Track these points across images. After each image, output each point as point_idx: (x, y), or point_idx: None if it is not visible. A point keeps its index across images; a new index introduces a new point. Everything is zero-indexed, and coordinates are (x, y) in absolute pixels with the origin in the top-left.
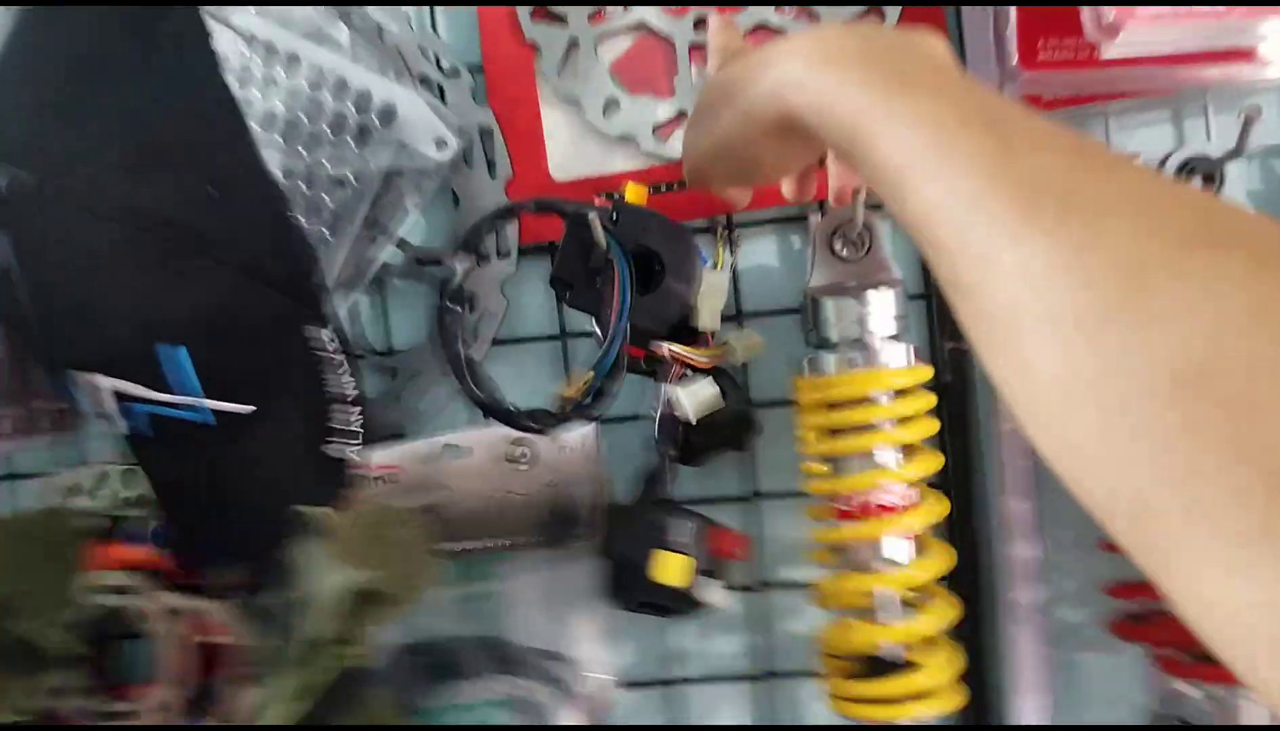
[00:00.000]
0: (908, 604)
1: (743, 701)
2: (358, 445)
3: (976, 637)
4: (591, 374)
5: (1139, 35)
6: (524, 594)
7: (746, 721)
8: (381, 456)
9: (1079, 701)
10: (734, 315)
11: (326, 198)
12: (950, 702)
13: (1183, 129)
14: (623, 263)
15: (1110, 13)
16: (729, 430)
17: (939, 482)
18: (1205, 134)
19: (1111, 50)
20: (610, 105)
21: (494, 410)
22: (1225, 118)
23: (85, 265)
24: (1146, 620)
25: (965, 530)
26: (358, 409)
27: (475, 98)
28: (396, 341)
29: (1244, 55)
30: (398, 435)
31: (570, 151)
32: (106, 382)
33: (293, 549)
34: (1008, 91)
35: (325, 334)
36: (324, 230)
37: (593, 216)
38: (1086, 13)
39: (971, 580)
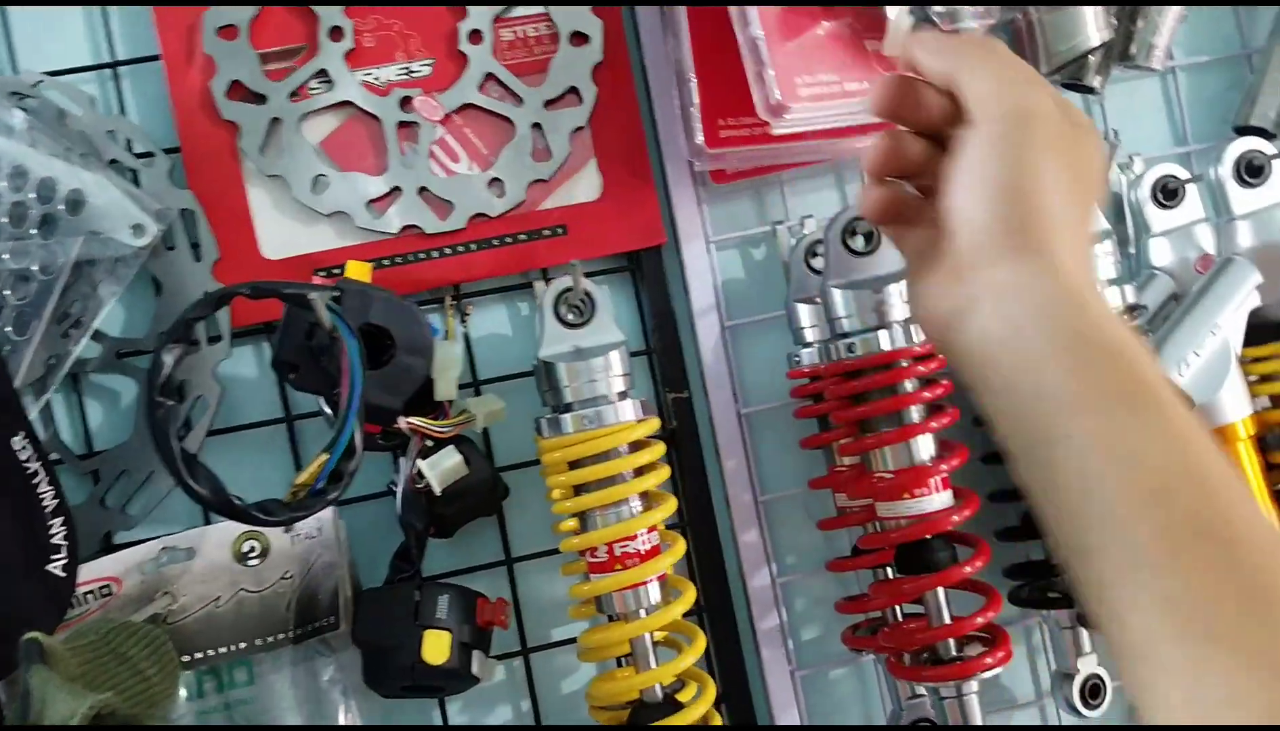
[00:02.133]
0: (664, 644)
1: None
2: (64, 560)
3: (739, 664)
4: (326, 456)
5: (802, 113)
6: (278, 695)
7: None
8: (93, 570)
9: (832, 711)
10: (471, 383)
11: (9, 293)
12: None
13: (845, 192)
14: (351, 340)
15: (777, 93)
16: (477, 497)
17: (677, 524)
18: None
19: (780, 127)
20: (319, 182)
21: (217, 505)
22: None
23: None
24: (875, 631)
25: (711, 565)
26: (60, 519)
27: (173, 179)
28: (98, 442)
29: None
30: (109, 544)
31: (280, 230)
32: None
33: (21, 678)
34: (697, 167)
35: (20, 441)
36: (7, 329)
37: (314, 296)
38: (756, 94)
39: (726, 612)
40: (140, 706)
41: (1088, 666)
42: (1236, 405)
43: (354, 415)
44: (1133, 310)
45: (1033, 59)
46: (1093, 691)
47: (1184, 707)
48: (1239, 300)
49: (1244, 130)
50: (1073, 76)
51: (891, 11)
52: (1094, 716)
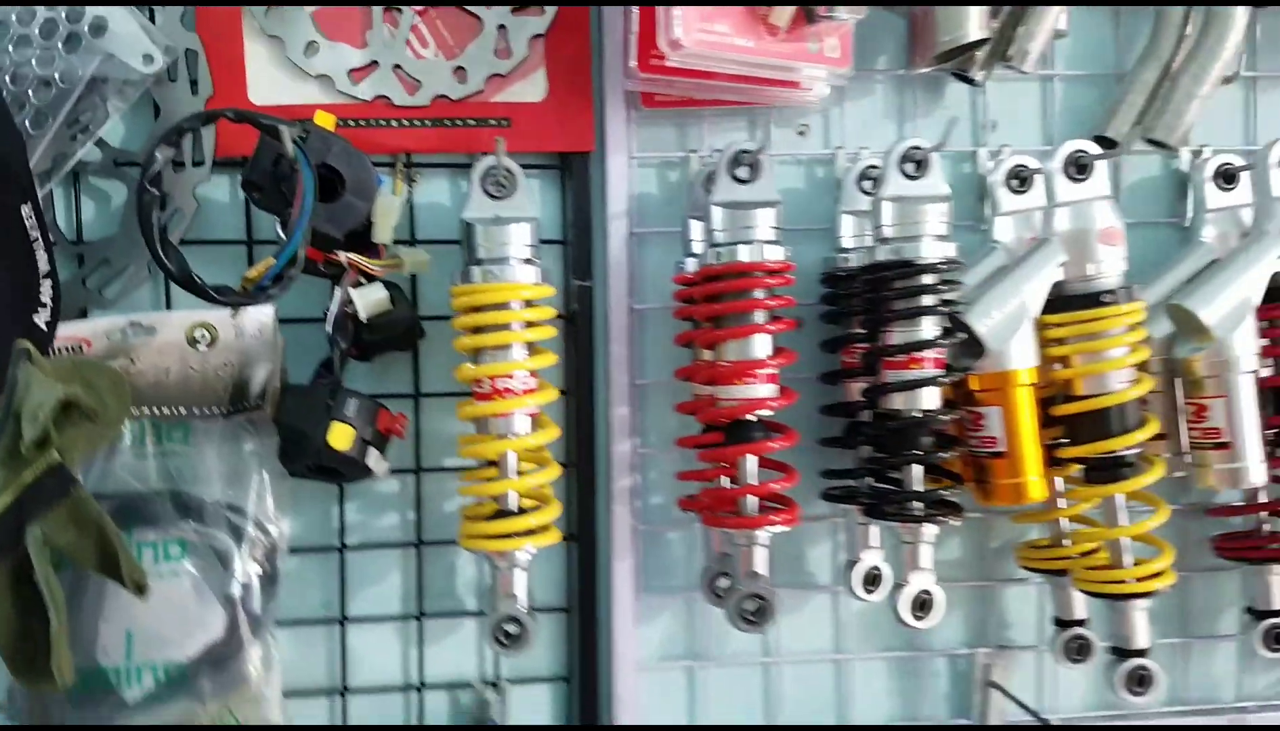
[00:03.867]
0: (526, 464)
1: (395, 564)
2: (48, 315)
3: (591, 513)
4: (273, 260)
5: (693, 52)
6: (207, 457)
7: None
8: (70, 329)
9: (663, 565)
10: (409, 239)
11: (32, 94)
12: (550, 539)
13: (754, 131)
14: (307, 172)
15: (677, 30)
16: (396, 331)
17: (565, 392)
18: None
19: (673, 60)
20: (311, 47)
21: (181, 279)
22: (783, 130)
23: None
24: (697, 497)
25: (585, 428)
26: (49, 282)
27: (184, 23)
28: (87, 234)
29: (793, 84)
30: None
31: (269, 82)
32: None
33: (10, 374)
34: (628, 86)
35: (28, 211)
36: (26, 124)
37: (283, 129)
38: (661, 29)
39: (590, 469)
40: (99, 405)
41: (871, 558)
42: (1023, 356)
43: (300, 231)
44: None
45: (921, 46)
46: (871, 579)
47: None
48: (1044, 274)
49: (1100, 140)
50: (959, 67)
51: None
52: (872, 599)
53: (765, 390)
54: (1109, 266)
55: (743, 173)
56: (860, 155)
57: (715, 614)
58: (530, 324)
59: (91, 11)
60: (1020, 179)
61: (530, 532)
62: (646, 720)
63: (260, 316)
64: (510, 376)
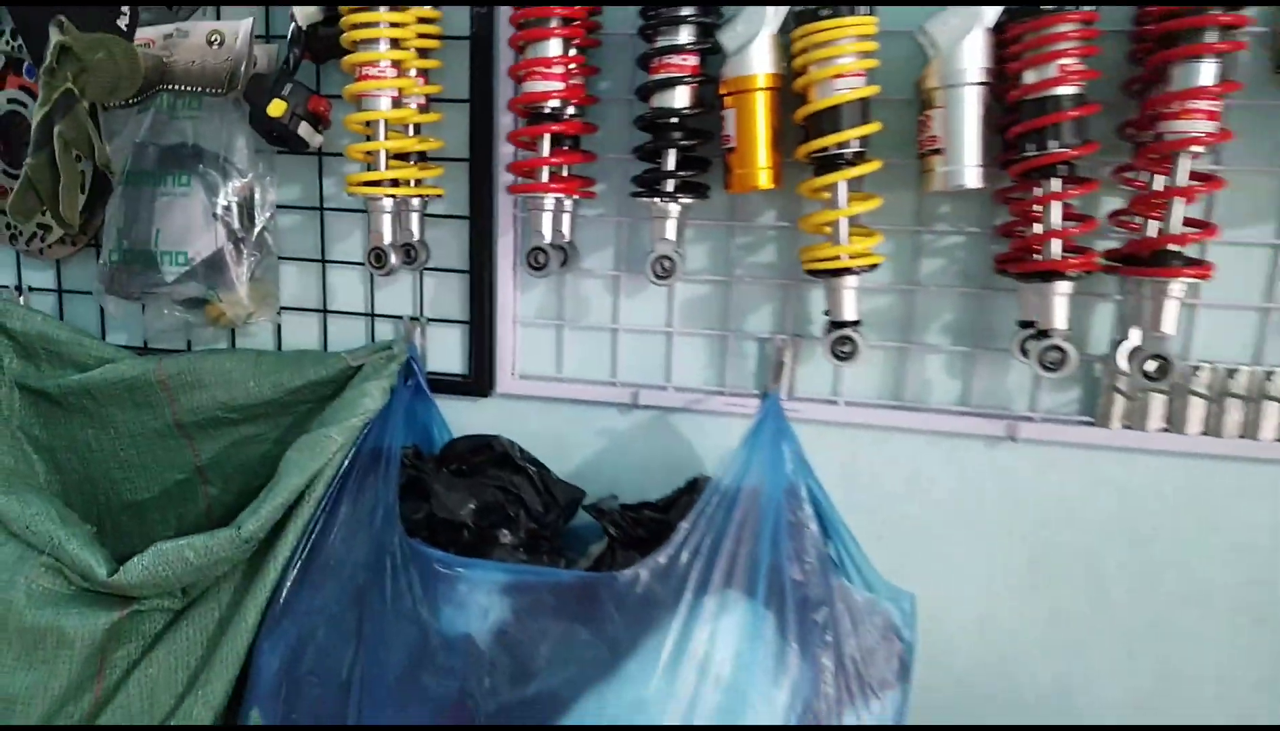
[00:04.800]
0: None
1: (359, 225)
2: (128, 22)
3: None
4: None
5: None
6: (218, 119)
7: (362, 241)
8: (141, 33)
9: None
10: None
11: None
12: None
13: None
14: None
15: None
16: (327, 42)
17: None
18: None
19: None
20: None
21: None
22: None
23: None
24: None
25: (482, 140)
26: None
27: None
28: None
29: None
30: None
31: None
32: None
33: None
34: None
35: None
36: None
37: None
38: None
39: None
40: (109, 76)
41: (662, 248)
42: (760, 63)
43: None
44: None
45: None
46: (665, 269)
47: None
48: None
49: None
50: None
51: None
52: (662, 284)
53: None
54: None
55: None
56: None
57: (580, 287)
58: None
59: None
60: None
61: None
62: (521, 363)
63: (243, 29)
64: (375, 65)
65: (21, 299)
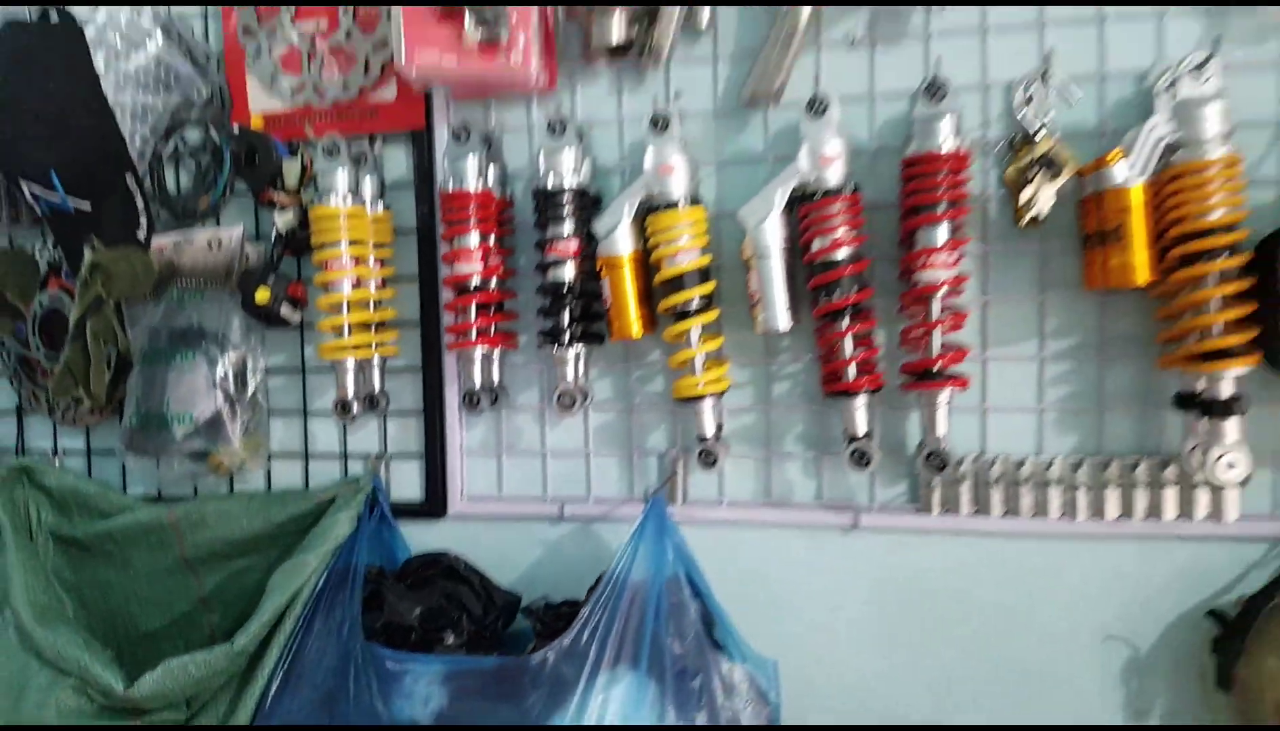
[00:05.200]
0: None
1: (332, 382)
2: (145, 233)
3: (437, 350)
4: (213, 194)
5: (417, 72)
6: (217, 306)
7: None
8: (155, 240)
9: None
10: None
11: (140, 113)
12: (363, 355)
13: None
14: (226, 151)
15: (401, 63)
16: (306, 242)
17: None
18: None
19: (406, 76)
20: (273, 79)
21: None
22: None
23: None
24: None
25: (430, 320)
26: (145, 217)
27: (219, 71)
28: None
29: (520, 83)
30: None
31: (255, 98)
32: (29, 187)
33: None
34: (414, 84)
35: (131, 177)
36: (135, 131)
37: (233, 132)
38: (397, 56)
39: (434, 330)
40: (130, 281)
41: (565, 385)
42: (624, 245)
43: (222, 179)
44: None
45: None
46: (570, 400)
47: None
48: (634, 192)
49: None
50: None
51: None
52: (571, 414)
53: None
54: (673, 188)
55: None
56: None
57: (514, 420)
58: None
59: (175, 67)
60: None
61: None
62: (468, 487)
63: (236, 234)
64: (338, 258)
65: (56, 460)
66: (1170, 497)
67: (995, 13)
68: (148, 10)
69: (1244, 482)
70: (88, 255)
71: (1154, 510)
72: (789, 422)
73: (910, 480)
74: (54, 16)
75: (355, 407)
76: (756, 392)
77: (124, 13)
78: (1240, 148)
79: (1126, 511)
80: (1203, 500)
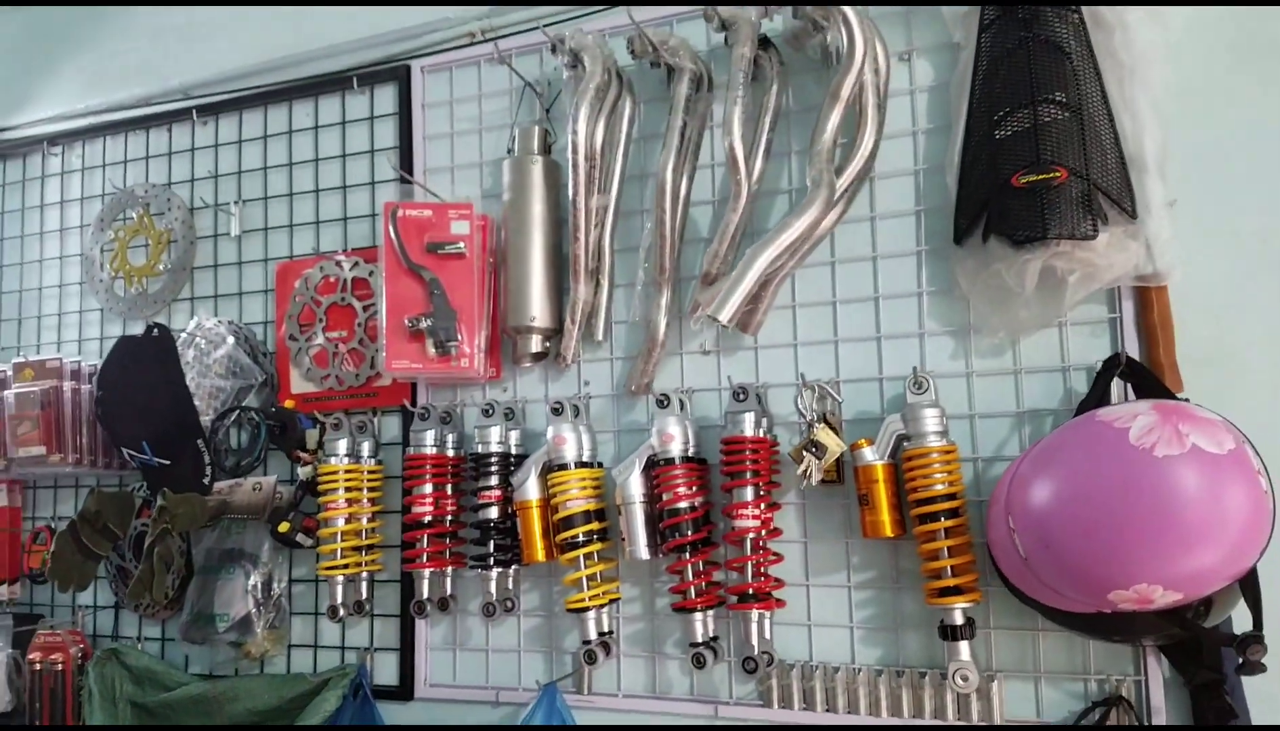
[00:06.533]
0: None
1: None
2: (208, 480)
3: (410, 587)
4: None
5: (396, 372)
6: (256, 535)
7: (342, 596)
8: (216, 485)
9: (439, 607)
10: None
11: (210, 393)
12: (358, 571)
13: (469, 393)
14: (263, 427)
15: (380, 366)
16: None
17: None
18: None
19: (387, 375)
20: (309, 370)
21: (234, 471)
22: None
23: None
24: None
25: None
26: (210, 469)
27: (268, 360)
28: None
29: (471, 375)
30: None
31: (296, 384)
32: (129, 451)
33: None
34: (397, 374)
35: (200, 441)
36: (208, 403)
37: (260, 410)
38: (382, 357)
39: (409, 581)
40: (190, 519)
41: (496, 598)
42: (532, 492)
43: (259, 444)
44: (502, 455)
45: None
46: (493, 609)
47: None
48: (538, 457)
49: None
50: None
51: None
52: (494, 620)
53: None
54: (566, 453)
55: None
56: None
57: (465, 623)
58: (351, 474)
59: (241, 361)
60: (555, 410)
61: (346, 566)
62: (430, 676)
63: (271, 482)
64: (335, 502)
65: (139, 645)
66: (950, 700)
67: (803, 333)
68: (225, 320)
69: (977, 691)
70: (159, 501)
71: (939, 711)
72: (669, 629)
73: (759, 678)
74: (155, 331)
75: (342, 612)
76: (644, 606)
77: (209, 320)
78: (955, 437)
79: (917, 711)
80: (976, 705)
